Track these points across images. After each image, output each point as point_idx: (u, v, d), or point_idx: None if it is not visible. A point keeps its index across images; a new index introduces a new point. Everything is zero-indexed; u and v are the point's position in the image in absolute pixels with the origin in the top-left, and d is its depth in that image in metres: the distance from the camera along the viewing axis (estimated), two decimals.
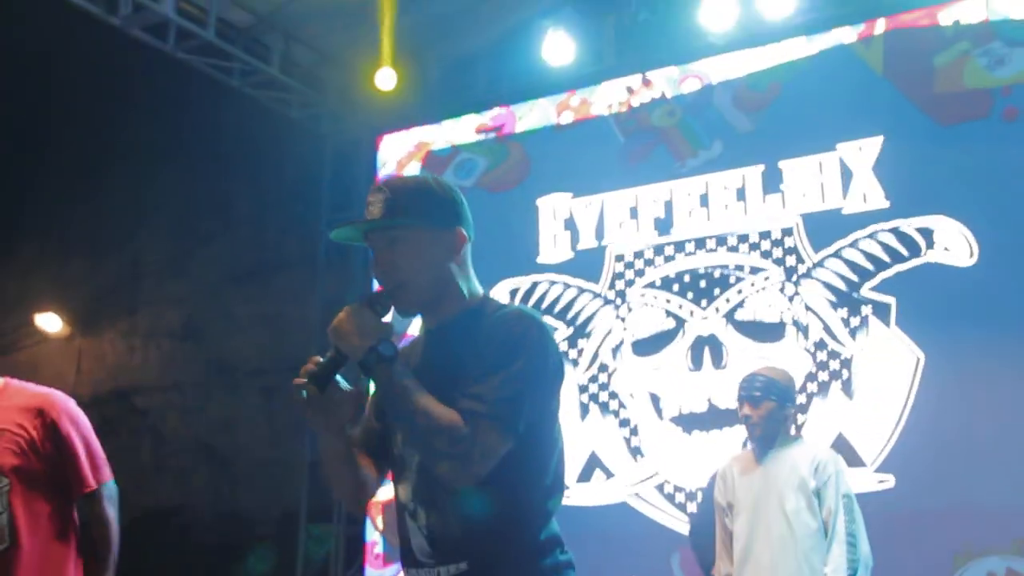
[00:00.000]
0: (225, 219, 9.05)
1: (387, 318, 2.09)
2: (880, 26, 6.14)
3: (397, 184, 2.19)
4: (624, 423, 6.40)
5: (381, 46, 6.91)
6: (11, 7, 8.15)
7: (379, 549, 7.06)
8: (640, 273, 6.55)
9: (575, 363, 6.57)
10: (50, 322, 9.90)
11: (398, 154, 7.67)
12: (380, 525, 7.03)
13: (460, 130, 7.45)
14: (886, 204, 5.89)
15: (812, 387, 5.88)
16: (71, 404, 3.25)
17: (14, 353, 9.85)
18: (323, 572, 7.65)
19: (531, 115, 7.20)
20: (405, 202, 2.12)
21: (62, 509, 3.18)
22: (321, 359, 2.06)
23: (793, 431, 4.24)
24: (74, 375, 9.57)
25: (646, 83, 6.79)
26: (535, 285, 6.83)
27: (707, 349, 6.19)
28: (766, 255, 6.18)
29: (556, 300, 6.74)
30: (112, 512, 3.25)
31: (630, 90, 6.83)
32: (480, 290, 2.22)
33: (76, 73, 9.22)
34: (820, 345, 5.91)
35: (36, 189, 9.88)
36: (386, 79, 6.91)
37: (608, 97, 6.92)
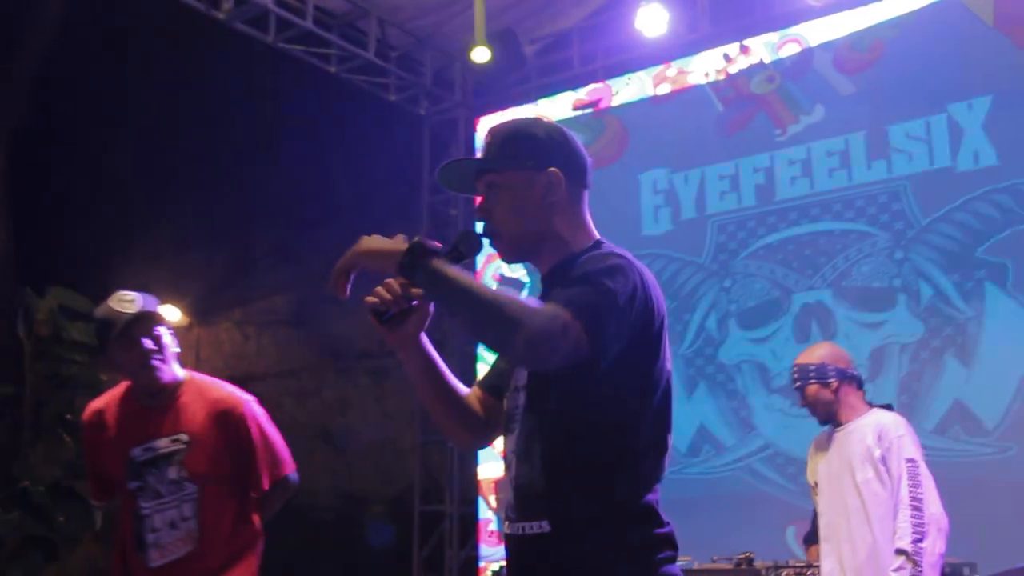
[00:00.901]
0: (329, 205, 9.21)
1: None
2: None
3: (499, 128, 2.12)
4: (732, 395, 6.32)
5: (475, 25, 6.93)
6: (122, 9, 8.43)
7: (493, 527, 7.14)
8: (743, 244, 6.45)
9: (681, 337, 6.51)
10: (169, 313, 10.23)
11: None
12: (493, 503, 7.10)
13: (557, 107, 7.43)
14: (997, 163, 5.67)
15: (924, 354, 5.71)
16: (254, 405, 3.28)
17: None
18: (438, 550, 7.76)
19: (628, 88, 7.14)
20: (499, 145, 2.06)
21: (243, 507, 3.24)
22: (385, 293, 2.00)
23: (861, 402, 4.11)
24: (194, 364, 9.89)
25: (744, 50, 6.66)
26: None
27: (814, 319, 6.06)
28: (873, 221, 6.01)
29: (659, 274, 6.68)
30: (277, 505, 3.33)
31: (727, 58, 6.71)
32: (593, 235, 2.09)
33: (183, 69, 9.48)
34: (933, 311, 5.73)
35: (152, 185, 10.20)
36: (481, 55, 6.91)
37: (705, 66, 6.81)
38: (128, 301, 3.15)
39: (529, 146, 2.05)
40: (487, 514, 7.18)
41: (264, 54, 7.61)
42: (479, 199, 2.08)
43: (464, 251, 2.00)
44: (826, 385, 4.04)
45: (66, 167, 9.31)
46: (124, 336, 3.10)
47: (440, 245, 1.95)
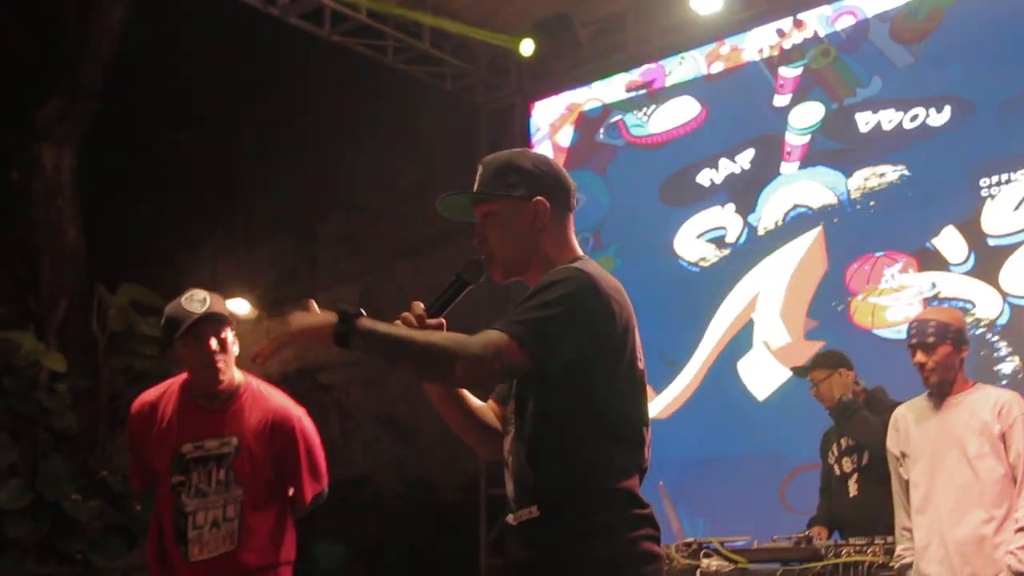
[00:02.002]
0: (390, 195, 9.30)
1: None
2: None
3: (488, 160, 2.32)
4: None
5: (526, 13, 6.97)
6: (183, 8, 8.61)
7: None
8: None
9: None
10: (240, 306, 10.41)
11: (550, 118, 7.69)
12: None
13: (610, 88, 7.40)
14: None
15: None
16: (305, 421, 3.33)
17: None
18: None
19: (681, 68, 7.08)
20: (491, 176, 2.27)
21: (282, 512, 3.32)
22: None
23: (965, 377, 4.03)
24: None
25: (797, 24, 6.56)
26: None
27: None
28: None
29: None
30: (303, 514, 3.40)
31: (781, 33, 6.62)
32: (576, 252, 2.30)
33: (245, 65, 9.64)
34: None
35: (218, 180, 10.40)
36: (528, 47, 6.98)
37: (759, 42, 6.73)
38: (198, 300, 3.19)
39: (518, 177, 2.25)
40: None
41: (321, 47, 7.71)
42: (476, 228, 2.29)
43: (467, 279, 2.21)
44: (959, 351, 3.93)
45: (134, 165, 9.54)
46: (190, 334, 3.15)
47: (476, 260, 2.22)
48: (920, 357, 3.92)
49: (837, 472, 4.86)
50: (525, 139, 7.76)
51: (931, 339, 3.90)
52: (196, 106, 9.67)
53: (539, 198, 2.25)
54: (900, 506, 4.09)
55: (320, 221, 9.92)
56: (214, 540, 3.20)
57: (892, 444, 4.12)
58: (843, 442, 4.82)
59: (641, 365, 2.22)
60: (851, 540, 4.80)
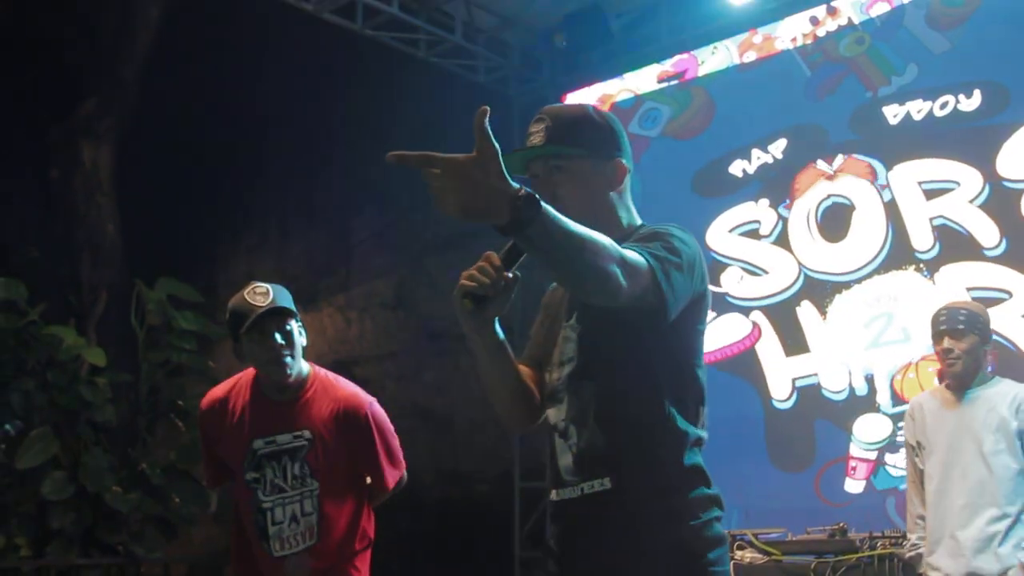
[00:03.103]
0: (423, 190, 9.29)
1: None
2: None
3: (558, 112, 2.15)
4: None
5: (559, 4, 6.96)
6: (218, 4, 8.67)
7: None
8: None
9: None
10: None
11: None
12: None
13: (642, 79, 7.37)
14: None
15: None
16: (376, 406, 3.29)
17: None
18: (539, 527, 7.83)
19: (713, 58, 7.04)
20: (566, 130, 2.09)
21: (359, 503, 3.29)
22: (484, 268, 1.94)
23: (989, 371, 3.98)
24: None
25: (831, 12, 6.50)
26: None
27: None
28: None
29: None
30: (382, 500, 3.38)
31: (815, 21, 6.56)
32: (638, 221, 2.18)
33: (279, 61, 9.71)
34: None
35: (254, 175, 10.48)
36: (559, 40, 7.00)
37: (792, 31, 6.67)
38: (261, 294, 3.11)
39: (595, 134, 2.11)
40: None
41: (355, 42, 7.75)
42: (537, 179, 2.10)
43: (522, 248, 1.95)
44: (985, 343, 3.90)
45: (170, 160, 9.63)
46: (255, 330, 3.08)
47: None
48: (948, 343, 3.89)
49: None
50: None
51: (961, 326, 3.86)
52: (232, 103, 9.74)
53: (619, 160, 2.13)
54: (915, 494, 4.06)
55: (355, 215, 9.96)
56: (294, 535, 3.18)
57: (909, 434, 4.11)
58: None
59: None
60: (885, 532, 4.79)
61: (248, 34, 9.36)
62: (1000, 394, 3.84)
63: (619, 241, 1.94)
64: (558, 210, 1.86)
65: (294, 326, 3.16)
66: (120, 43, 8.95)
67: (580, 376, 2.06)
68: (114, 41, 8.97)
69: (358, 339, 9.74)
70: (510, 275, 1.95)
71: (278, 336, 3.10)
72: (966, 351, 3.87)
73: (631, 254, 1.84)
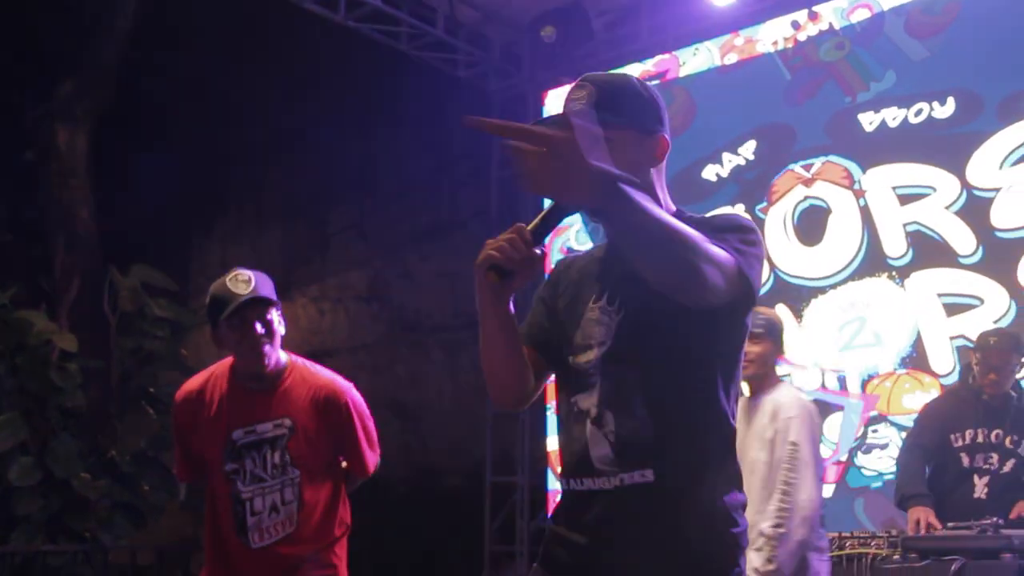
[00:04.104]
0: (401, 181, 9.31)
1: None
2: None
3: (602, 80, 2.02)
4: None
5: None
6: None
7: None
8: None
9: None
10: None
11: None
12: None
13: None
14: None
15: None
16: (354, 392, 3.27)
17: None
18: (510, 520, 7.84)
19: (695, 59, 7.07)
20: (610, 99, 1.96)
21: (336, 490, 3.27)
22: (513, 238, 1.82)
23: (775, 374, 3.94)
24: None
25: (812, 16, 6.54)
26: None
27: None
28: None
29: None
30: (354, 487, 3.38)
31: (796, 25, 6.61)
32: (672, 204, 2.08)
33: (259, 49, 9.66)
34: None
35: (230, 164, 10.43)
36: (548, 34, 6.97)
37: (773, 34, 6.72)
38: (244, 281, 3.06)
39: (640, 106, 2.01)
40: (556, 485, 7.23)
41: (335, 33, 7.72)
42: None
43: (553, 222, 1.87)
44: (777, 350, 3.84)
45: (146, 147, 9.57)
46: (235, 317, 3.05)
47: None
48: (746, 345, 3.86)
49: (965, 463, 4.45)
50: None
51: (760, 330, 3.71)
52: (209, 90, 9.70)
53: (663, 135, 2.02)
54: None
55: (331, 206, 9.94)
56: (273, 525, 3.16)
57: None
58: (993, 436, 4.41)
59: None
60: (854, 532, 4.83)
61: (228, 22, 9.31)
62: (771, 401, 3.76)
63: None
64: None
65: (275, 315, 3.13)
66: (98, 27, 8.88)
67: (617, 360, 1.94)
68: (92, 25, 8.89)
69: (331, 330, 9.73)
70: (538, 251, 1.84)
71: (258, 325, 3.07)
72: (760, 355, 3.77)
73: (719, 251, 1.76)
